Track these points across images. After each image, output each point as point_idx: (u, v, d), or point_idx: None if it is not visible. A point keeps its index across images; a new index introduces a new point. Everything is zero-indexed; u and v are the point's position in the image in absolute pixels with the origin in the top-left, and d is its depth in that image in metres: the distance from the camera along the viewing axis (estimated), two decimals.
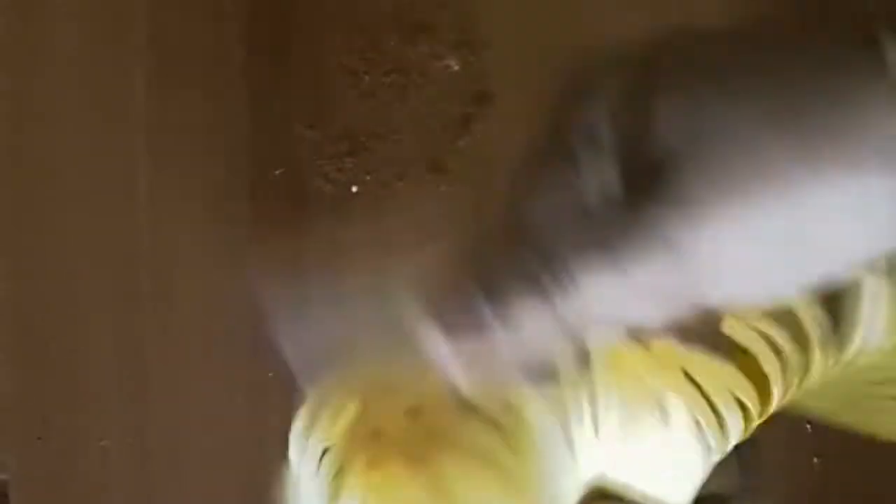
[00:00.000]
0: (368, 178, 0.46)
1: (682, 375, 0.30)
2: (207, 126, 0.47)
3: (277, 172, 0.46)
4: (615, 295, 0.25)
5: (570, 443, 0.30)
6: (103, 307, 0.46)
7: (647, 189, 0.25)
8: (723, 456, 0.31)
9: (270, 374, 0.45)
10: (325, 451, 0.37)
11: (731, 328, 0.30)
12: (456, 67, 0.47)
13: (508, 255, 0.27)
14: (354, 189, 0.46)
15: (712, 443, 0.30)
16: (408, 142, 0.47)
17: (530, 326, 0.26)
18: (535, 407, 0.30)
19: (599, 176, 0.27)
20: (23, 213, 0.46)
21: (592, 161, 0.27)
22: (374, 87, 0.47)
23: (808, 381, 0.31)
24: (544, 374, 0.29)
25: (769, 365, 0.30)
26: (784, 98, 0.25)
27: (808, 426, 0.44)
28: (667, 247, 0.24)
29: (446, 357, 0.26)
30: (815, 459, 0.43)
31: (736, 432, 0.30)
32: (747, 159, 0.24)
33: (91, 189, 0.46)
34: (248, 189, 0.46)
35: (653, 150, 0.25)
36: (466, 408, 0.31)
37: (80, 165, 0.46)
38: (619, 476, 0.30)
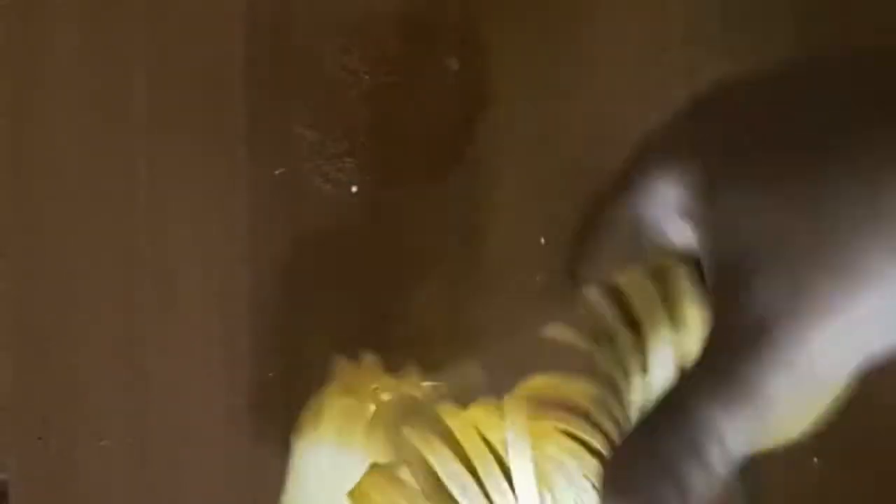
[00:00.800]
0: (368, 178, 0.46)
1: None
2: (207, 126, 0.47)
3: (277, 172, 0.46)
4: (756, 432, 0.25)
5: None
6: (103, 307, 0.46)
7: (737, 304, 0.25)
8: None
9: (270, 375, 0.45)
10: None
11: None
12: (456, 67, 0.47)
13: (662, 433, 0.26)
14: (354, 189, 0.46)
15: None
16: (408, 142, 0.47)
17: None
18: None
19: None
20: (23, 213, 0.46)
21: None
22: (374, 87, 0.47)
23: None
24: None
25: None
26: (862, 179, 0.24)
27: None
28: (788, 363, 0.24)
29: None
30: (815, 459, 0.43)
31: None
32: (835, 256, 0.24)
33: (91, 189, 0.46)
34: (248, 189, 0.46)
35: (733, 253, 0.25)
36: None
37: (80, 165, 0.46)
38: None
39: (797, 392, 0.24)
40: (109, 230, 0.46)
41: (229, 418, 0.45)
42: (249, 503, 0.45)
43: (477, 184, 0.46)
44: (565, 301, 0.33)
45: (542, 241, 0.46)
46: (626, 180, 0.28)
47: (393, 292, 0.45)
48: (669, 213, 0.27)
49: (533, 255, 0.46)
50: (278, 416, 0.45)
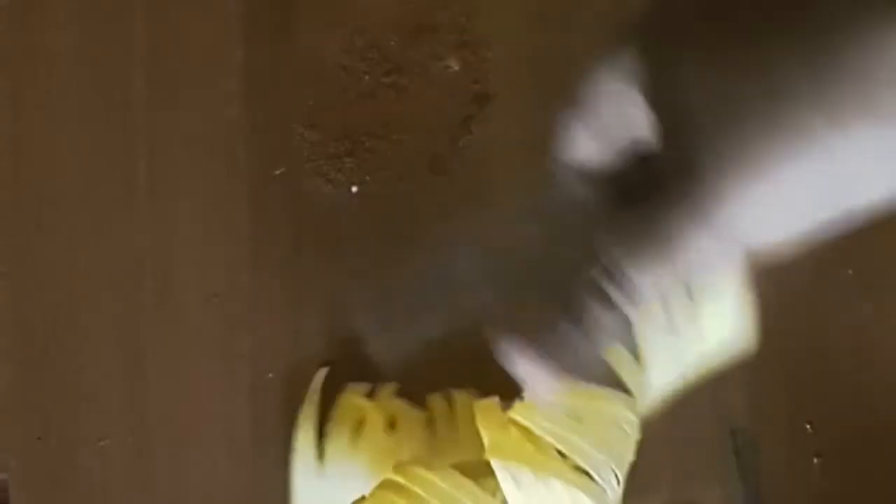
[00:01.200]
0: (368, 178, 0.46)
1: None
2: (207, 126, 0.47)
3: (277, 172, 0.46)
4: (666, 281, 0.25)
5: None
6: (103, 307, 0.46)
7: (678, 162, 0.25)
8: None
9: (270, 375, 0.45)
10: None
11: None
12: (456, 67, 0.47)
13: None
14: (354, 189, 0.46)
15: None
16: (408, 142, 0.47)
17: (599, 326, 0.26)
18: None
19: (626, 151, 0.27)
20: (23, 213, 0.46)
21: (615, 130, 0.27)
22: (374, 87, 0.47)
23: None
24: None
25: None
26: (814, 47, 0.24)
27: (808, 426, 0.44)
28: (706, 221, 0.24)
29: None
30: (815, 459, 0.43)
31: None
32: (774, 119, 0.24)
33: (91, 189, 0.46)
34: (248, 189, 0.46)
35: (682, 120, 0.25)
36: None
37: (80, 165, 0.46)
38: None
39: (712, 249, 0.25)
40: (109, 230, 0.46)
41: (229, 419, 0.45)
42: (250, 502, 0.45)
43: (477, 184, 0.46)
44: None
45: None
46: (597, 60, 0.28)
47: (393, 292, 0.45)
48: (632, 89, 0.27)
49: (533, 255, 0.46)
50: (278, 416, 0.45)
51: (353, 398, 0.42)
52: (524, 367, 0.27)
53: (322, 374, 0.44)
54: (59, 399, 0.45)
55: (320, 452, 0.42)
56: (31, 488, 0.45)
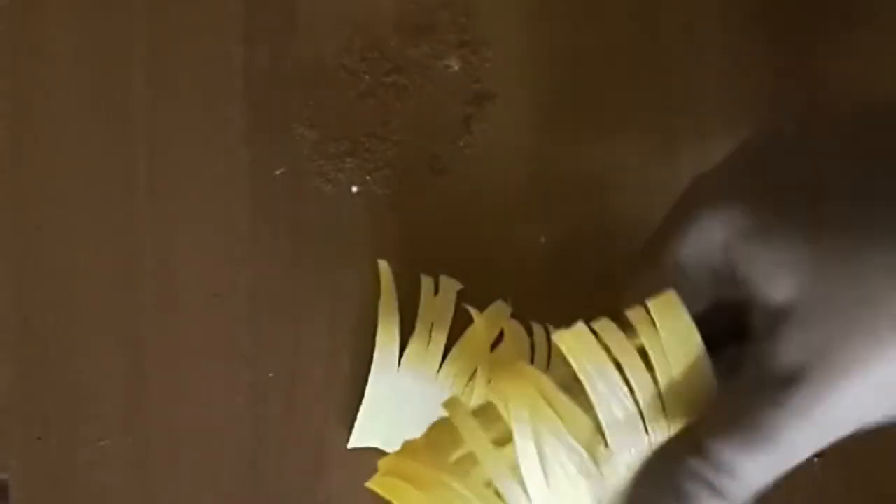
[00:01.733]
0: (368, 178, 0.46)
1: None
2: (207, 126, 0.47)
3: (277, 172, 0.46)
4: (772, 470, 0.26)
5: None
6: (103, 307, 0.46)
7: (764, 351, 0.25)
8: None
9: (270, 375, 0.45)
10: None
11: None
12: (456, 67, 0.47)
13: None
14: (354, 189, 0.46)
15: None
16: (408, 142, 0.47)
17: None
18: None
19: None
20: (23, 213, 0.46)
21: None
22: (374, 87, 0.47)
23: None
24: None
25: None
26: None
27: None
28: (808, 415, 0.25)
29: None
30: (815, 459, 0.43)
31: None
32: (871, 311, 0.24)
33: (91, 188, 0.46)
34: (248, 189, 0.46)
35: (772, 300, 0.26)
36: None
37: (80, 165, 0.46)
38: None
39: (810, 442, 0.25)
40: (109, 230, 0.46)
41: (229, 418, 0.45)
42: (250, 503, 0.45)
43: (477, 184, 0.46)
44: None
45: (542, 240, 0.46)
46: (676, 223, 0.28)
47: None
48: (715, 257, 0.27)
49: (533, 255, 0.46)
50: (278, 416, 0.45)
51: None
52: None
53: (385, 267, 0.44)
54: (59, 399, 0.45)
55: (401, 350, 0.42)
56: (31, 488, 0.45)
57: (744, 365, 0.27)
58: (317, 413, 0.45)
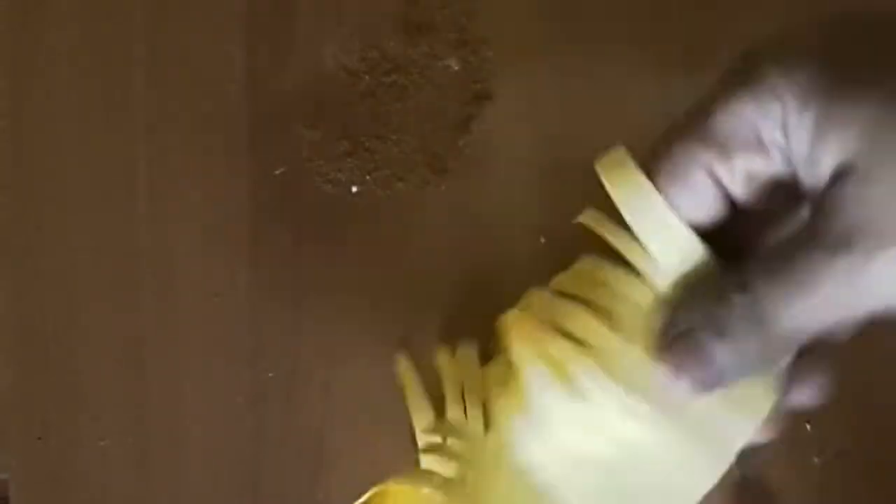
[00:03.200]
0: (368, 178, 0.46)
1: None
2: (207, 126, 0.47)
3: (277, 172, 0.46)
4: (807, 321, 0.26)
5: None
6: (103, 307, 0.46)
7: (821, 208, 0.26)
8: None
9: (270, 375, 0.45)
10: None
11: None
12: (456, 67, 0.47)
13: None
14: (354, 189, 0.46)
15: None
16: (408, 142, 0.47)
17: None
18: None
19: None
20: (23, 213, 0.46)
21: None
22: (374, 87, 0.47)
23: None
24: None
25: None
26: None
27: (808, 426, 0.44)
28: (853, 274, 0.25)
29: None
30: (815, 459, 0.43)
31: None
32: None
33: (91, 188, 0.46)
34: (248, 189, 0.46)
35: (823, 168, 0.26)
36: None
37: (80, 165, 0.46)
38: None
39: (847, 305, 0.26)
40: (109, 230, 0.46)
41: (229, 418, 0.45)
42: (249, 502, 0.45)
43: (477, 184, 0.46)
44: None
45: (542, 240, 0.46)
46: (730, 82, 0.28)
47: (393, 292, 0.45)
48: (765, 123, 0.27)
49: (533, 255, 0.46)
50: (278, 416, 0.45)
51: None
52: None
53: (404, 362, 0.44)
54: (59, 399, 0.45)
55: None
56: (31, 488, 0.45)
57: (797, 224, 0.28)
58: (317, 413, 0.45)
